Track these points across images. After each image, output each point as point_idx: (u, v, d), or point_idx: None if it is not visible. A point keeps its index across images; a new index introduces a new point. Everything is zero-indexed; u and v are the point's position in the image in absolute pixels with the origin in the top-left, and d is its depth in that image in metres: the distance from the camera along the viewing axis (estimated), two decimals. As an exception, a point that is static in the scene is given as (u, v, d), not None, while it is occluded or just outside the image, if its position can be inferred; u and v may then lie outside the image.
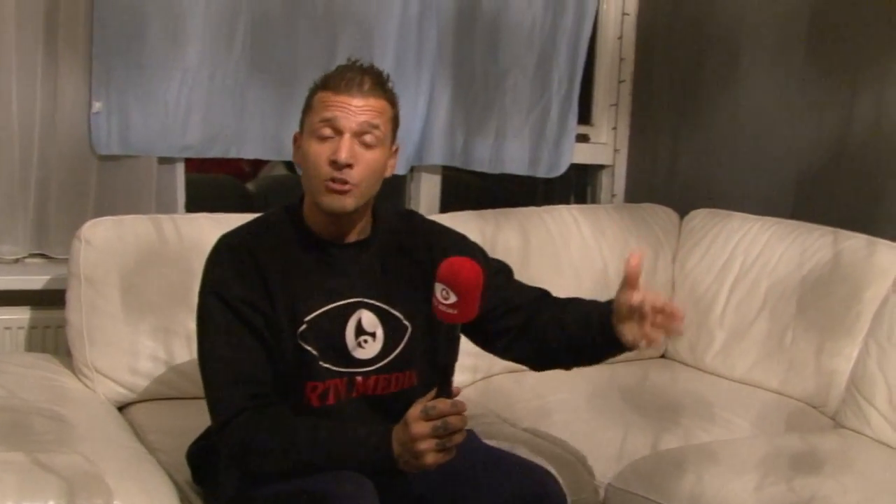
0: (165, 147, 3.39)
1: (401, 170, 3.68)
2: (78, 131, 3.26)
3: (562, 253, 3.63)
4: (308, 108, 2.32)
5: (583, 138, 4.23)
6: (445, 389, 2.10)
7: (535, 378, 2.96)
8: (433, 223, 2.57)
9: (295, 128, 3.46)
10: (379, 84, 2.30)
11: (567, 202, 4.29)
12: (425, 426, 2.06)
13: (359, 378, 2.34)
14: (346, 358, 2.33)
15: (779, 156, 3.74)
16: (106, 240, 2.97)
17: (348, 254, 2.36)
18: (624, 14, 4.24)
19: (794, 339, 3.33)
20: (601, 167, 4.34)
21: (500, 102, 3.92)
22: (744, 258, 3.56)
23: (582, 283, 3.59)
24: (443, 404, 2.06)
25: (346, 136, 2.24)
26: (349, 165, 2.23)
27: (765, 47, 3.80)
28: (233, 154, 3.54)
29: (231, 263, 2.30)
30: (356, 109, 2.25)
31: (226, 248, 2.35)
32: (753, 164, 3.83)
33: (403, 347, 2.39)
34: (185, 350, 2.96)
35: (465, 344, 2.46)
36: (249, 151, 3.57)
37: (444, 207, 3.92)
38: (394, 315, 2.38)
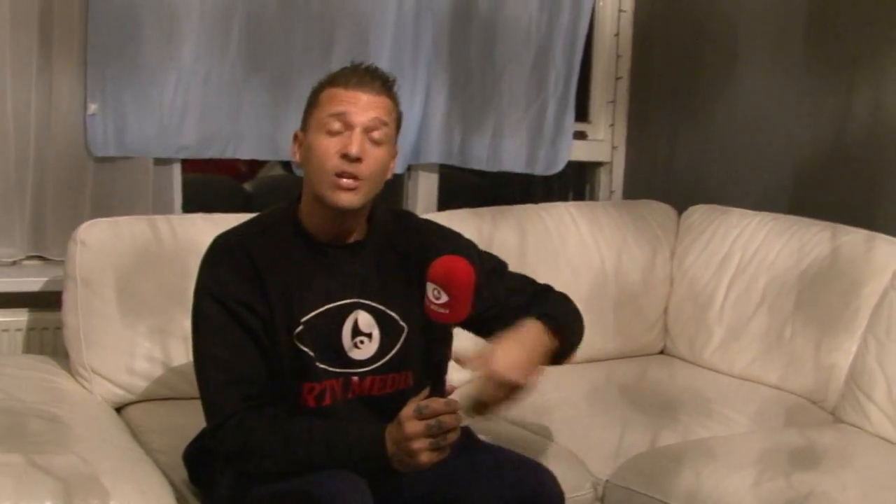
0: (161, 148, 3.39)
1: (398, 168, 3.66)
2: (74, 133, 3.26)
3: (559, 250, 3.62)
4: (314, 105, 2.31)
5: (580, 135, 4.23)
6: (439, 388, 2.10)
7: (533, 375, 2.96)
8: (427, 222, 2.57)
9: (292, 127, 3.47)
10: (387, 85, 2.31)
11: (566, 200, 4.28)
12: (419, 425, 2.05)
13: (355, 379, 2.34)
14: (343, 359, 2.33)
15: (777, 151, 3.73)
16: (102, 241, 2.97)
17: (345, 255, 2.36)
18: (620, 11, 4.24)
19: (792, 334, 3.32)
20: (599, 164, 4.34)
21: (497, 100, 3.91)
22: (742, 254, 3.55)
23: (580, 280, 3.58)
24: (436, 403, 2.06)
25: (357, 130, 2.24)
26: (359, 159, 2.23)
27: (762, 42, 3.80)
28: (229, 154, 3.54)
29: (227, 264, 2.30)
30: (367, 105, 2.26)
31: (222, 248, 2.34)
32: (751, 159, 3.83)
33: (400, 348, 2.38)
34: (182, 350, 2.96)
35: (466, 341, 2.45)
36: (246, 152, 3.57)
37: (443, 206, 3.91)
38: (390, 316, 2.38)
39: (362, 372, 2.34)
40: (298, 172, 3.72)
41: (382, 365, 2.36)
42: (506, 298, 2.46)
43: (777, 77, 3.74)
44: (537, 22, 3.92)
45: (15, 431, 2.46)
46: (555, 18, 3.94)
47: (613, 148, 4.30)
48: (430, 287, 2.06)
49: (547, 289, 2.56)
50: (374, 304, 2.36)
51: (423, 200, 3.93)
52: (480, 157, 3.94)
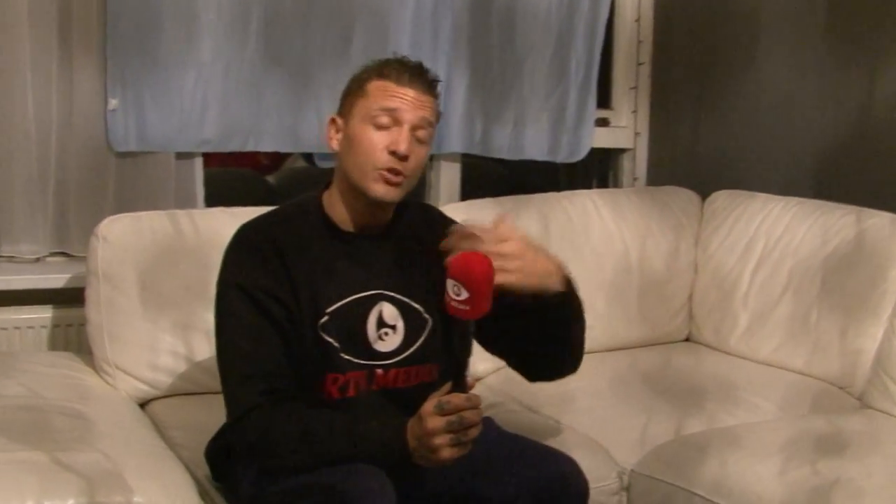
0: (182, 142, 3.39)
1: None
2: (95, 129, 3.27)
3: (582, 239, 3.61)
4: (360, 94, 2.30)
5: (603, 122, 4.21)
6: (460, 383, 2.08)
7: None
8: (449, 219, 2.57)
9: (312, 119, 3.50)
10: (433, 84, 2.33)
11: (589, 187, 4.26)
12: (440, 421, 2.04)
13: (379, 371, 2.34)
14: (367, 350, 2.33)
15: (800, 134, 3.70)
16: (123, 237, 2.98)
17: (369, 245, 2.36)
18: (641, -5, 4.22)
19: (818, 319, 3.30)
20: (622, 151, 4.32)
21: (518, 89, 3.90)
22: (766, 239, 3.53)
23: (604, 268, 3.58)
24: (457, 398, 2.05)
25: (406, 128, 2.26)
26: (406, 157, 2.25)
27: (785, 25, 3.77)
28: (250, 147, 3.55)
29: (253, 253, 2.30)
30: (417, 103, 2.27)
31: (246, 237, 2.34)
32: (775, 143, 3.80)
33: (424, 341, 2.38)
34: (205, 345, 2.96)
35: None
36: (267, 144, 3.57)
37: (467, 195, 3.89)
38: (414, 308, 2.38)
39: (386, 364, 2.34)
40: (321, 164, 3.74)
41: (407, 357, 2.36)
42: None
43: (800, 60, 3.71)
44: (557, 8, 3.90)
45: (39, 429, 2.47)
46: (575, 5, 3.93)
47: (636, 134, 4.28)
48: (449, 283, 2.05)
49: None
50: (398, 296, 2.36)
51: (445, 190, 3.93)
52: (502, 146, 3.93)
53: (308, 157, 4.19)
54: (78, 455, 2.33)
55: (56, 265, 3.33)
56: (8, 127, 3.18)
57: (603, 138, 4.20)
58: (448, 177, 3.94)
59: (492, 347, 2.46)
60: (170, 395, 3.00)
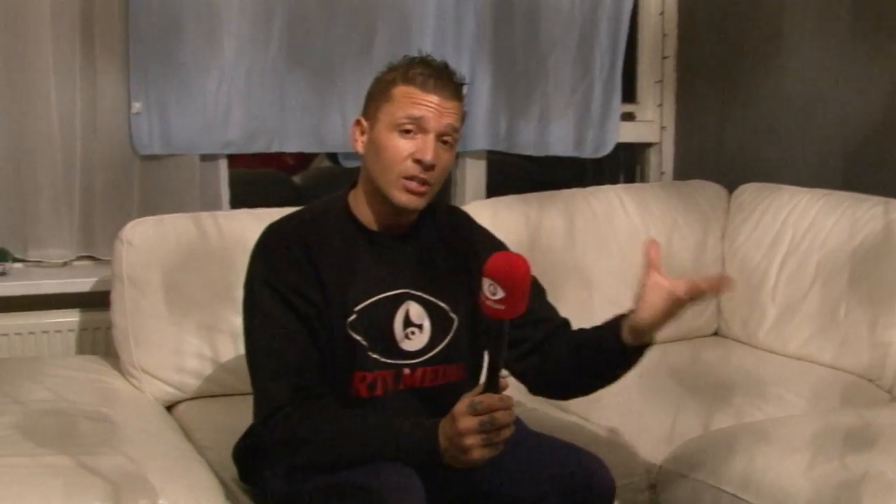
0: (207, 144, 3.40)
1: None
2: (119, 133, 3.28)
3: (608, 234, 3.60)
4: (385, 99, 2.30)
5: (628, 117, 4.20)
6: (493, 384, 2.07)
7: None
8: (477, 224, 2.58)
9: (335, 119, 3.50)
10: (459, 87, 2.32)
11: (616, 182, 4.25)
12: (472, 421, 2.03)
13: (406, 371, 2.34)
14: (395, 350, 2.33)
15: (827, 126, 3.68)
16: (147, 240, 2.99)
17: (395, 245, 2.37)
18: (665, -11, 4.20)
19: (847, 312, 3.28)
20: (649, 145, 4.30)
21: (543, 84, 3.89)
22: (794, 232, 3.51)
23: (629, 264, 3.54)
24: (490, 399, 2.03)
25: (431, 136, 2.26)
26: (432, 166, 2.24)
27: (810, 16, 3.74)
28: (275, 148, 3.55)
29: (281, 252, 2.30)
30: (443, 111, 2.27)
31: (275, 236, 2.35)
32: (801, 135, 3.78)
33: (450, 340, 2.38)
34: (230, 347, 2.97)
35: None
36: (291, 145, 3.57)
37: (494, 192, 3.88)
38: (440, 307, 2.38)
39: (413, 363, 2.35)
40: (346, 164, 3.74)
41: (434, 356, 2.36)
42: (539, 311, 2.43)
43: (826, 51, 3.68)
44: (580, 3, 3.89)
45: (65, 433, 2.48)
46: (598, -1, 3.91)
47: (662, 128, 4.26)
48: (486, 282, 2.03)
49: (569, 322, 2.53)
50: (424, 295, 2.37)
51: (471, 187, 3.92)
52: (527, 142, 3.92)
53: (333, 156, 4.18)
54: (103, 458, 2.34)
55: (83, 269, 3.35)
56: (33, 132, 3.20)
57: (629, 133, 4.18)
58: (474, 174, 3.93)
59: (511, 365, 2.44)
60: (196, 397, 3.01)
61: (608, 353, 2.30)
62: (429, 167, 2.25)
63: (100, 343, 3.26)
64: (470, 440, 2.03)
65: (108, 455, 2.36)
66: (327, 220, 2.37)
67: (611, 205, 3.66)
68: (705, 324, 3.71)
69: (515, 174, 4.58)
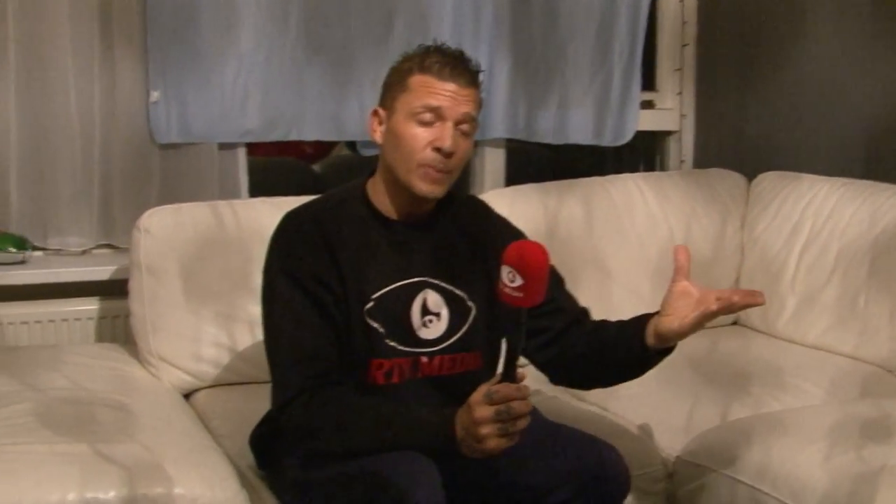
0: (225, 133, 3.41)
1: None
2: (137, 121, 3.29)
3: (626, 223, 3.58)
4: (402, 88, 2.30)
5: (648, 105, 4.18)
6: (510, 373, 2.06)
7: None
8: (495, 213, 2.58)
9: (354, 107, 3.50)
10: (476, 75, 2.32)
11: (636, 171, 4.23)
12: (488, 410, 2.02)
13: (423, 359, 2.34)
14: (412, 338, 2.34)
15: (847, 115, 3.66)
16: (165, 228, 3.00)
17: (413, 233, 2.37)
18: (685, -24, 4.18)
19: (866, 302, 3.26)
20: (668, 133, 4.28)
21: (562, 72, 3.87)
22: (813, 221, 3.49)
23: (648, 253, 3.55)
24: (507, 388, 2.03)
25: (450, 125, 2.26)
26: (451, 154, 2.25)
27: (830, 3, 3.72)
28: (293, 136, 3.55)
29: (299, 239, 2.31)
30: (460, 99, 2.27)
31: (293, 223, 2.36)
32: (821, 124, 3.75)
33: (468, 328, 2.39)
34: (248, 335, 2.98)
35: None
36: (309, 133, 3.57)
37: (513, 180, 3.87)
38: (458, 296, 2.38)
39: (431, 352, 2.35)
40: (364, 152, 3.73)
41: (451, 345, 2.37)
42: (559, 300, 2.44)
43: (846, 39, 3.66)
44: (600, -10, 3.87)
45: (82, 421, 2.49)
46: (617, -14, 3.90)
47: (682, 116, 4.24)
48: (504, 270, 2.03)
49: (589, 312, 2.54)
50: (442, 284, 2.37)
51: (490, 176, 3.91)
52: (547, 130, 3.91)
53: (351, 145, 4.18)
54: (120, 446, 2.35)
55: (102, 257, 3.36)
56: (52, 122, 3.21)
57: (648, 121, 4.16)
58: (493, 163, 3.92)
59: (532, 355, 2.46)
60: (213, 385, 3.02)
61: (631, 353, 2.32)
62: (448, 155, 2.25)
63: (119, 331, 3.27)
64: (486, 429, 2.03)
65: (125, 443, 2.38)
66: (346, 208, 2.37)
67: (630, 194, 3.65)
68: (724, 313, 3.69)
69: (534, 163, 4.57)
